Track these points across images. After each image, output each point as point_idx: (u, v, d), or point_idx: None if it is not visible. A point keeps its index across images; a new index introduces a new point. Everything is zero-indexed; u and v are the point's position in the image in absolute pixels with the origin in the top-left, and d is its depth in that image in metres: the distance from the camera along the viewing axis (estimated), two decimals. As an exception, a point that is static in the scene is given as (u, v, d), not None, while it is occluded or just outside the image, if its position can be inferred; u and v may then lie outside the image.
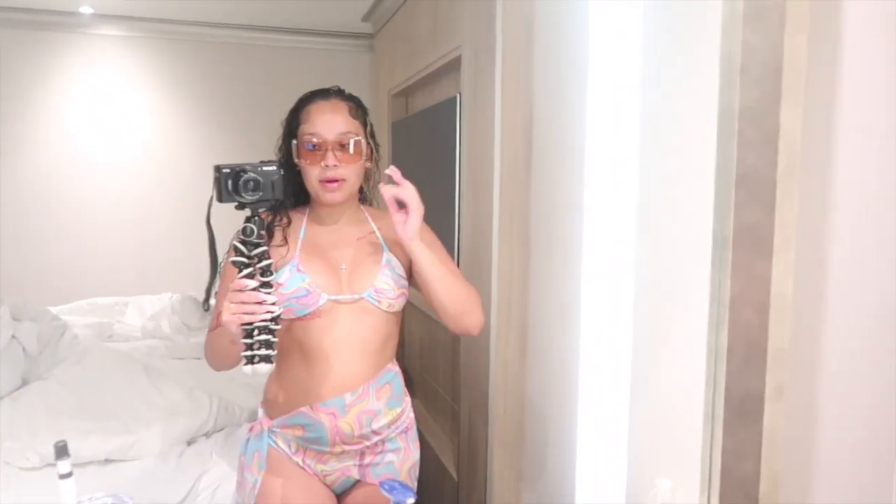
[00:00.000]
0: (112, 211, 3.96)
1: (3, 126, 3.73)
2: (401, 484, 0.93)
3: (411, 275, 1.54)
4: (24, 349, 2.50)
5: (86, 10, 3.72)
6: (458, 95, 2.34)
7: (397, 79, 3.26)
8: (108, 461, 1.90)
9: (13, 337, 2.47)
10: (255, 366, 1.16)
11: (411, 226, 1.38)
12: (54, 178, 3.86)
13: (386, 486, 0.93)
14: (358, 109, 1.50)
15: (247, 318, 1.15)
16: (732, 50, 0.90)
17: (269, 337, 1.17)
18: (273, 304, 1.16)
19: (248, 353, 1.16)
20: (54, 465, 1.87)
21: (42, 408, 2.19)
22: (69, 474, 0.79)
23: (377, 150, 1.54)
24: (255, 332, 1.16)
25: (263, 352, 1.16)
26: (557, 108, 1.72)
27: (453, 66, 2.47)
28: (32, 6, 3.64)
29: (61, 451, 0.79)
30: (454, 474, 2.43)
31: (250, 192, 1.16)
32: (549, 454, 1.78)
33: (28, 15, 3.68)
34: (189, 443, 2.04)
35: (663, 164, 1.14)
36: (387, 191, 1.39)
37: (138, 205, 3.99)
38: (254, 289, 1.15)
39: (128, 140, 3.97)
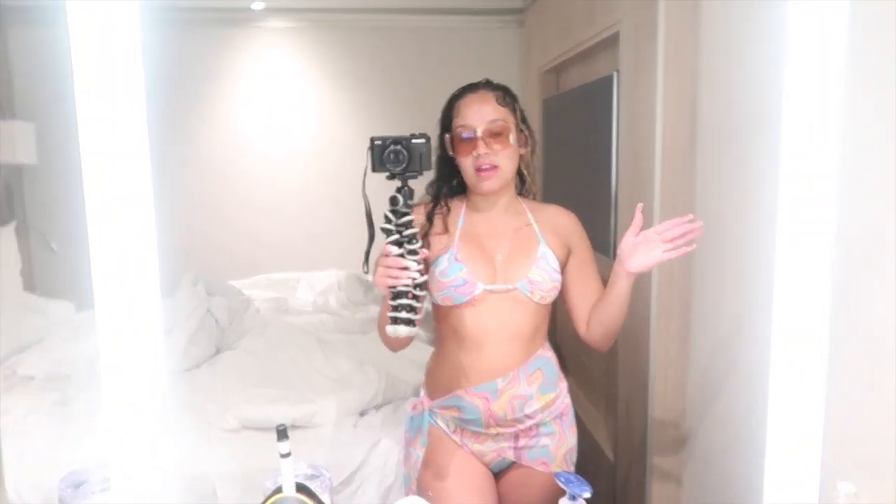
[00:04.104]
0: (283, 193, 4.27)
1: (186, 119, 4.12)
2: (577, 477, 0.96)
3: (564, 269, 1.57)
4: (216, 321, 2.81)
5: (257, 5, 4.01)
6: (615, 73, 2.28)
7: (549, 55, 3.23)
8: (292, 427, 2.11)
9: (207, 310, 2.79)
10: (397, 327, 1.22)
11: (640, 267, 1.40)
12: (233, 165, 4.23)
13: (562, 478, 0.96)
14: (506, 97, 1.53)
15: (391, 282, 1.22)
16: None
17: (412, 302, 1.22)
18: (417, 271, 1.22)
19: (393, 314, 1.23)
20: (249, 428, 2.13)
21: (234, 375, 2.46)
22: (288, 454, 0.91)
23: (531, 137, 1.57)
24: (399, 295, 1.22)
25: (405, 315, 1.22)
26: (729, 89, 1.64)
27: (610, 42, 2.41)
28: (210, 5, 3.99)
29: (282, 433, 0.90)
30: (610, 455, 2.44)
31: (397, 163, 1.23)
32: (716, 442, 1.74)
33: (206, 14, 4.02)
34: (361, 414, 2.21)
35: (869, 151, 1.05)
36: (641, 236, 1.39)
37: (305, 187, 4.28)
38: (399, 255, 1.22)
39: (294, 126, 4.25)
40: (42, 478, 1.95)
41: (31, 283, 3.86)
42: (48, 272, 3.99)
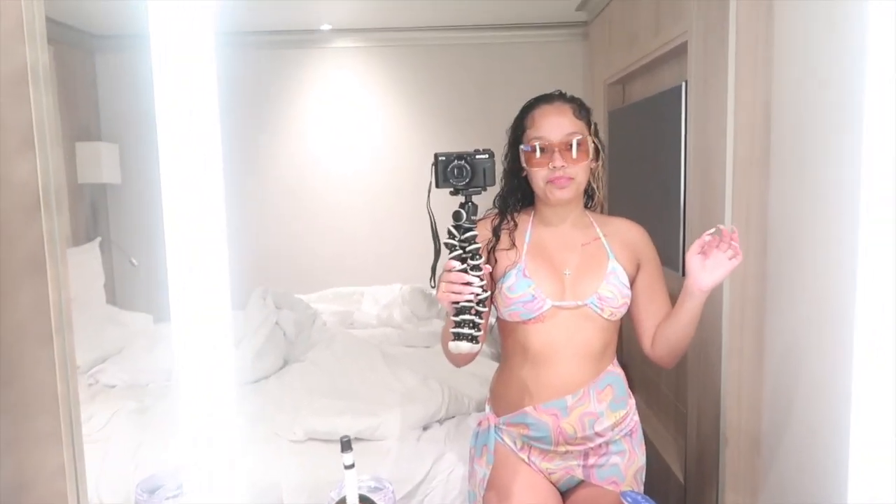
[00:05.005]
0: (350, 211, 4.35)
1: (256, 138, 4.26)
2: (644, 497, 0.93)
3: (632, 284, 1.54)
4: (284, 334, 2.88)
5: (325, 27, 4.12)
6: (683, 84, 2.23)
7: (614, 67, 3.19)
8: (356, 439, 2.13)
9: (276, 323, 2.86)
10: (459, 343, 1.21)
11: (713, 281, 1.38)
12: (302, 184, 4.34)
13: (629, 498, 0.93)
14: (581, 110, 1.51)
15: (453, 298, 1.21)
16: None
17: (475, 318, 1.21)
18: (480, 286, 1.20)
19: (455, 329, 1.21)
20: (316, 439, 2.16)
21: (301, 387, 2.50)
22: (352, 465, 0.91)
23: (603, 150, 1.54)
24: (462, 311, 1.21)
25: (467, 331, 1.20)
26: (806, 96, 1.57)
27: (677, 52, 2.36)
28: (279, 27, 4.12)
29: (346, 445, 0.91)
30: (680, 476, 2.35)
31: (461, 179, 1.23)
32: (795, 464, 1.65)
33: (275, 36, 4.17)
34: (424, 428, 2.21)
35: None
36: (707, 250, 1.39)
37: (372, 205, 4.34)
38: (461, 270, 1.21)
39: (360, 145, 4.32)
40: (120, 482, 2.03)
41: (113, 296, 4.06)
42: (128, 286, 4.19)
